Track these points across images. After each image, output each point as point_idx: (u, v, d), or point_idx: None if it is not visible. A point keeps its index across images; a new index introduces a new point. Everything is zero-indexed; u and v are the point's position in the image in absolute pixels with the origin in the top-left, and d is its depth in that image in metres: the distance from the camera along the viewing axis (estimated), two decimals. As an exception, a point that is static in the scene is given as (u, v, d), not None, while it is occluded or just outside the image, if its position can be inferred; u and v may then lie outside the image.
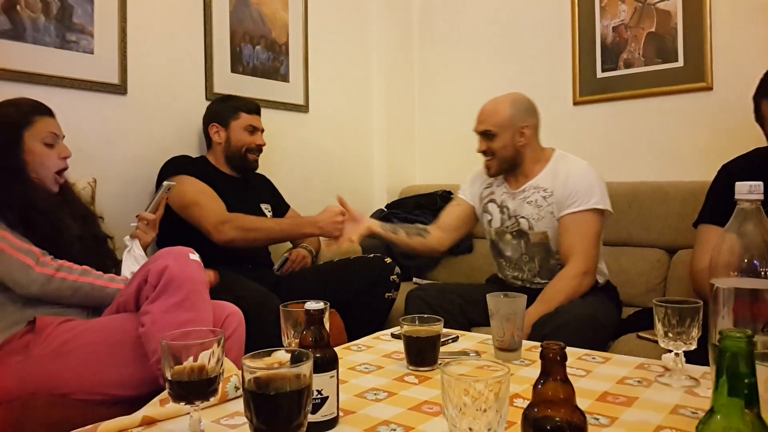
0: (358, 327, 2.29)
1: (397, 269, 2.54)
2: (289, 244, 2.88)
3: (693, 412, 1.13)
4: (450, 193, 3.37)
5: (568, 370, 0.84)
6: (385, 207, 3.52)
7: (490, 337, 1.59)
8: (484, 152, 2.30)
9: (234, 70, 2.98)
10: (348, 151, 3.64)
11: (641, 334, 1.98)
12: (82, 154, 1.96)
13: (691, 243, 2.07)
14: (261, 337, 1.70)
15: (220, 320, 1.73)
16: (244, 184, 2.72)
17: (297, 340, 1.26)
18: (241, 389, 0.93)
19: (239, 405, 1.03)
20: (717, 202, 1.96)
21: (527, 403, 0.85)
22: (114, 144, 2.51)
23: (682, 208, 2.54)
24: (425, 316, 1.50)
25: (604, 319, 2.07)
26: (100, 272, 1.80)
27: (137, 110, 2.60)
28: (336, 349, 1.27)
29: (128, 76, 2.55)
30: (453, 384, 0.87)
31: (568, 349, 0.85)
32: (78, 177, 2.10)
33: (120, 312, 1.70)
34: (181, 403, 1.03)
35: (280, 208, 2.86)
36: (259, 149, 2.68)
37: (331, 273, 2.57)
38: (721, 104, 2.73)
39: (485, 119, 2.28)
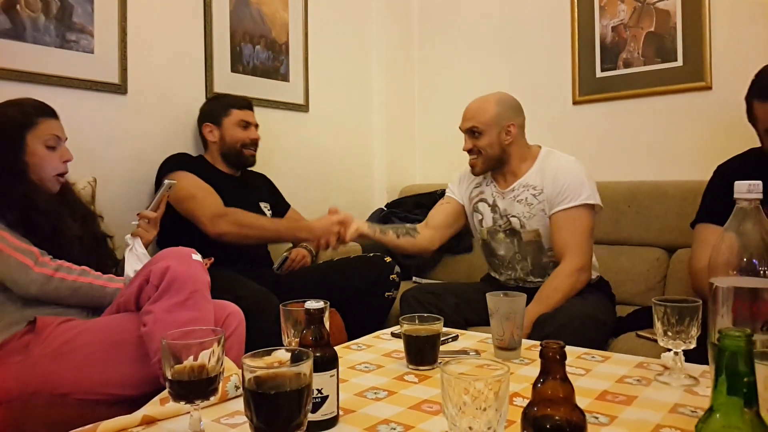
0: (358, 326, 2.29)
1: (397, 268, 2.54)
2: (289, 243, 2.88)
3: (692, 411, 1.13)
4: (450, 192, 3.37)
5: (567, 368, 0.84)
6: (385, 206, 3.52)
7: (490, 336, 1.59)
8: (470, 150, 2.31)
9: (234, 69, 2.98)
10: (348, 150, 3.64)
11: (641, 332, 1.98)
12: (82, 153, 1.96)
13: (690, 242, 2.07)
14: (261, 337, 1.70)
15: (221, 319, 1.73)
16: (244, 182, 2.72)
17: (297, 340, 1.26)
18: (242, 388, 0.93)
19: (239, 404, 1.03)
20: (713, 202, 1.96)
21: (527, 401, 0.85)
22: (114, 143, 2.52)
23: (681, 207, 2.54)
24: (425, 315, 1.50)
25: (604, 317, 2.07)
26: (99, 272, 1.80)
27: (137, 110, 2.60)
28: (336, 348, 1.27)
29: (128, 75, 2.55)
30: (453, 383, 0.87)
31: (568, 348, 0.85)
32: (78, 177, 2.10)
33: (120, 312, 1.70)
34: (182, 403, 1.04)
35: (280, 207, 2.86)
36: (254, 143, 2.68)
37: (331, 272, 2.57)
38: (720, 104, 2.74)
39: (471, 117, 2.29)
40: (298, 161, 3.31)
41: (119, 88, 2.52)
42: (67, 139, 1.92)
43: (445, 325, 1.53)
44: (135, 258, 1.90)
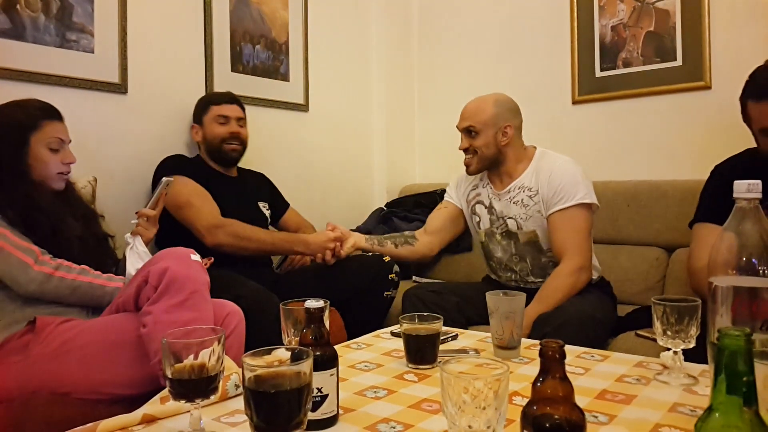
0: (357, 325, 2.29)
1: (396, 267, 2.54)
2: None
3: (692, 410, 1.13)
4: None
5: (567, 368, 0.84)
6: (385, 206, 3.52)
7: (489, 335, 1.59)
8: (466, 150, 2.32)
9: (234, 69, 2.98)
10: (348, 149, 3.64)
11: (640, 332, 1.98)
12: (82, 153, 1.96)
13: (689, 241, 2.07)
14: (261, 336, 1.70)
15: (220, 318, 1.73)
16: (242, 182, 2.72)
17: (297, 338, 1.26)
18: (242, 387, 0.94)
19: (239, 403, 1.03)
20: (711, 202, 1.97)
21: (526, 400, 0.86)
22: (114, 143, 2.52)
23: (680, 206, 2.54)
24: (425, 314, 1.50)
25: (604, 316, 2.08)
26: (99, 272, 1.80)
27: (137, 109, 2.60)
28: (336, 347, 1.27)
29: (128, 75, 2.55)
30: (452, 382, 0.87)
31: (567, 347, 0.85)
32: (78, 176, 2.10)
33: (119, 312, 1.70)
34: (182, 401, 1.04)
35: (279, 206, 2.86)
36: (234, 138, 2.62)
37: (331, 271, 2.56)
38: (720, 103, 2.74)
39: (469, 116, 2.30)
40: (298, 161, 3.31)
41: (119, 88, 2.52)
42: (71, 141, 1.93)
43: (446, 324, 1.54)
44: (136, 256, 1.90)
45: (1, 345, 1.63)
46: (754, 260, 1.04)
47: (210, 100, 2.65)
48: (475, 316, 2.16)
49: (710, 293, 1.08)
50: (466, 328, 2.02)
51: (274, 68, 3.18)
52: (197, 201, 2.40)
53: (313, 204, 3.22)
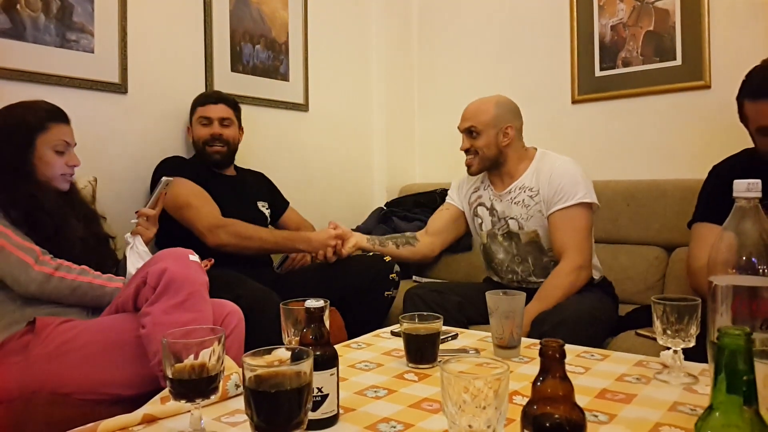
0: (357, 325, 2.29)
1: (397, 267, 2.54)
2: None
3: (692, 409, 1.13)
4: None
5: (567, 367, 0.84)
6: (385, 205, 3.52)
7: (490, 334, 1.59)
8: (467, 150, 2.34)
9: (234, 69, 2.98)
10: (348, 149, 3.64)
11: (640, 331, 1.98)
12: (82, 153, 1.96)
13: (689, 241, 2.08)
14: (261, 335, 1.71)
15: (220, 318, 1.73)
16: (241, 181, 2.72)
17: (297, 338, 1.26)
18: (242, 387, 0.94)
19: (240, 403, 1.03)
20: (710, 201, 1.98)
21: (526, 400, 0.86)
22: (114, 143, 2.52)
23: (680, 206, 2.54)
24: (425, 313, 1.50)
25: (603, 315, 2.08)
26: (99, 272, 1.80)
27: (137, 109, 2.60)
28: (336, 346, 1.28)
29: (128, 75, 2.55)
30: (453, 381, 0.87)
31: (567, 347, 0.85)
32: (78, 176, 2.10)
33: (118, 312, 1.70)
34: (182, 401, 1.04)
35: (278, 205, 2.86)
36: (216, 139, 2.58)
37: (331, 271, 2.56)
38: (719, 102, 2.73)
39: (470, 117, 2.32)
40: (298, 161, 3.31)
41: (119, 88, 2.52)
42: (76, 144, 1.94)
43: (447, 324, 1.54)
44: (137, 256, 1.91)
45: (1, 345, 1.63)
46: (753, 259, 1.04)
47: (196, 101, 2.65)
48: (476, 316, 2.16)
49: (710, 292, 1.08)
50: (467, 328, 2.03)
51: (274, 68, 3.18)
52: (197, 201, 2.40)
53: (312, 204, 3.22)
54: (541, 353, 0.84)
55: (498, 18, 3.53)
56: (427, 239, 2.50)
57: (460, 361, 0.98)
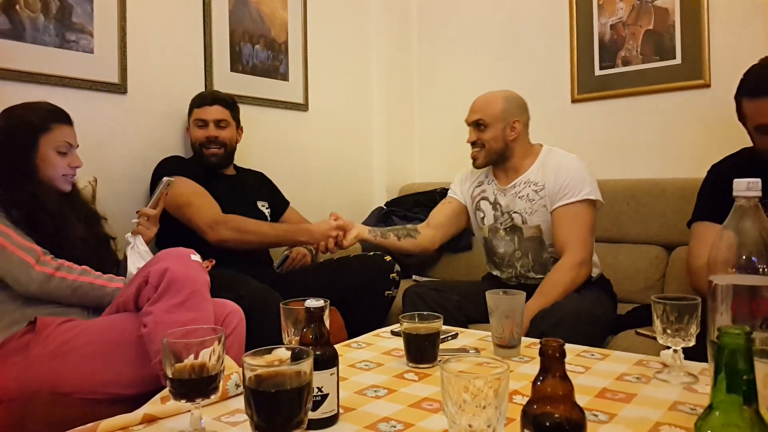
0: (358, 324, 2.29)
1: (397, 267, 2.55)
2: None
3: (692, 409, 1.13)
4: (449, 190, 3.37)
5: (567, 366, 0.84)
6: (385, 205, 3.52)
7: (490, 334, 1.59)
8: (473, 143, 2.34)
9: (233, 69, 2.98)
10: (347, 149, 3.64)
11: (640, 330, 1.98)
12: (82, 153, 1.96)
13: (689, 240, 2.08)
14: (263, 335, 1.70)
15: (221, 318, 1.73)
16: (241, 181, 2.72)
17: (297, 338, 1.26)
18: (242, 386, 0.94)
19: (240, 402, 1.03)
20: (710, 200, 1.98)
21: (527, 399, 0.86)
22: (114, 143, 2.52)
23: (679, 205, 2.54)
24: (425, 313, 1.50)
25: (602, 314, 2.09)
26: (99, 272, 1.81)
27: (137, 109, 2.60)
28: (336, 346, 1.28)
29: (128, 75, 2.55)
30: (453, 381, 0.87)
31: (567, 346, 0.85)
32: (79, 176, 2.10)
33: (119, 312, 1.70)
34: (182, 401, 1.04)
35: (278, 205, 2.86)
36: (211, 141, 2.58)
37: (331, 271, 2.57)
38: (719, 101, 2.73)
39: (478, 110, 2.32)
40: (298, 160, 3.31)
41: (119, 88, 2.52)
42: (78, 146, 1.94)
43: (447, 323, 1.54)
44: (137, 255, 1.91)
45: (1, 345, 1.63)
46: (753, 258, 1.04)
47: (192, 102, 2.64)
48: (475, 315, 2.16)
49: (710, 291, 1.08)
50: (467, 327, 2.03)
51: (274, 68, 3.18)
52: (197, 200, 2.40)
53: (312, 203, 3.22)
54: (541, 352, 0.84)
55: (497, 17, 3.53)
56: (429, 232, 2.50)
57: (460, 360, 0.98)
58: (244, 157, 2.86)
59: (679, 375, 1.31)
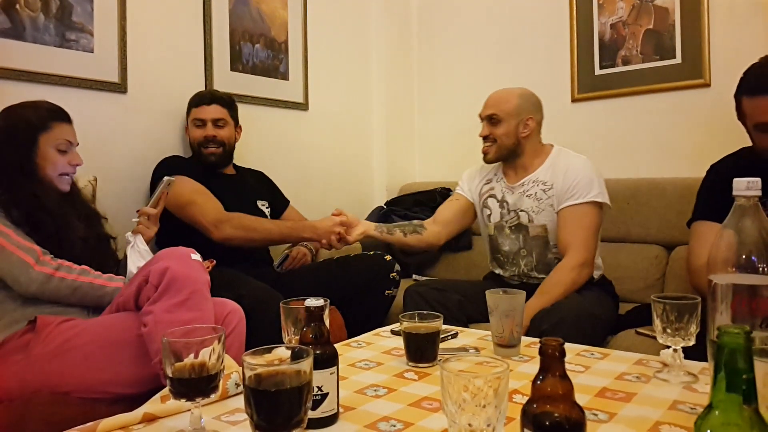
0: (358, 324, 2.29)
1: (397, 266, 2.55)
2: (289, 242, 2.88)
3: (691, 408, 1.13)
4: (449, 190, 3.37)
5: (567, 366, 0.84)
6: (385, 204, 3.52)
7: (490, 333, 1.59)
8: (486, 137, 2.34)
9: (233, 68, 2.98)
10: (348, 148, 3.64)
11: (640, 330, 1.98)
12: (82, 152, 1.96)
13: (688, 239, 2.08)
14: (264, 334, 1.70)
15: (221, 317, 1.73)
16: (241, 180, 2.72)
17: (297, 337, 1.26)
18: (242, 386, 0.94)
19: (240, 401, 1.03)
20: (710, 199, 1.98)
21: (526, 398, 0.86)
22: (114, 142, 2.52)
23: (679, 204, 2.54)
24: (425, 312, 1.50)
25: (602, 313, 2.09)
26: (99, 272, 1.80)
27: (137, 109, 2.60)
28: (336, 345, 1.28)
29: (128, 74, 2.55)
30: (452, 380, 0.87)
31: (567, 345, 0.85)
32: (78, 175, 2.10)
33: (120, 311, 1.70)
34: (182, 400, 1.04)
35: (279, 204, 2.86)
36: (210, 141, 2.57)
37: (331, 270, 2.57)
38: (719, 101, 2.73)
39: (493, 105, 2.33)
40: (298, 160, 3.31)
41: (119, 87, 2.52)
42: (78, 144, 1.94)
43: (447, 322, 1.54)
44: (137, 255, 1.91)
45: (1, 344, 1.63)
46: (753, 258, 1.04)
47: (190, 101, 2.64)
48: (476, 314, 2.16)
49: (710, 291, 1.08)
50: (467, 326, 2.03)
51: (274, 67, 3.18)
52: (200, 198, 2.40)
53: (312, 203, 3.22)
54: (541, 352, 0.84)
55: (498, 17, 3.53)
56: (435, 228, 2.50)
57: (460, 359, 0.98)
58: (244, 157, 2.86)
59: (678, 374, 1.31)
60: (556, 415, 0.82)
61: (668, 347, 1.34)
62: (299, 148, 3.33)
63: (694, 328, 1.30)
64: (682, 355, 1.33)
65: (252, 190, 2.74)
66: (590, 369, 1.40)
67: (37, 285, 1.67)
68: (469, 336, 1.77)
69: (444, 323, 1.52)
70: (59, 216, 1.81)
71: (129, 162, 2.56)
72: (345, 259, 2.62)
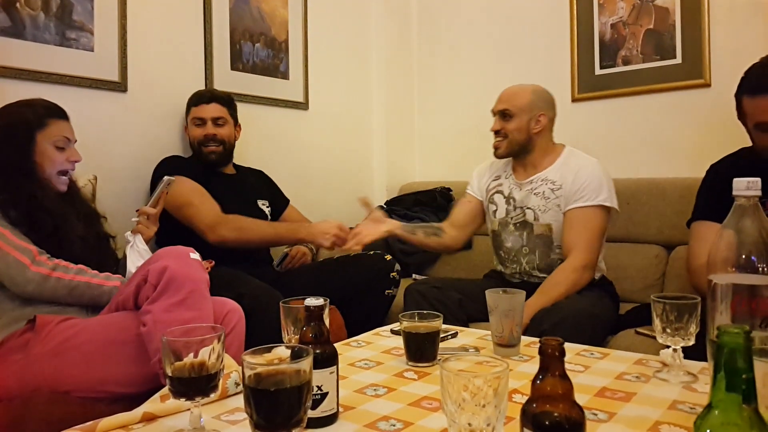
0: (357, 323, 2.29)
1: (397, 266, 2.55)
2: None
3: (691, 408, 1.13)
4: (449, 189, 3.37)
5: (566, 365, 0.84)
6: (385, 204, 3.52)
7: (489, 332, 1.59)
8: (497, 132, 2.34)
9: (234, 67, 2.98)
10: (348, 148, 3.64)
11: (640, 329, 1.98)
12: (82, 151, 1.96)
13: (688, 239, 2.08)
14: (264, 333, 1.70)
15: (220, 316, 1.73)
16: (241, 180, 2.71)
17: (297, 336, 1.26)
18: (242, 385, 0.94)
19: (240, 401, 1.03)
20: (709, 199, 1.98)
21: (526, 398, 0.86)
22: (114, 141, 2.52)
23: (679, 204, 2.54)
24: (424, 312, 1.50)
25: (602, 314, 2.09)
26: (96, 271, 1.80)
27: (137, 108, 2.60)
28: (336, 345, 1.28)
29: (128, 73, 2.55)
30: (452, 380, 0.87)
31: (567, 345, 0.85)
32: (78, 174, 2.10)
33: (118, 310, 1.70)
34: (182, 399, 1.04)
35: (279, 203, 2.86)
36: (210, 140, 2.58)
37: (331, 270, 2.57)
38: (719, 101, 2.73)
39: (506, 100, 2.33)
40: (298, 159, 3.31)
41: (119, 86, 2.52)
42: (76, 141, 1.94)
43: (447, 321, 1.53)
44: (137, 254, 1.91)
45: (1, 344, 1.63)
46: (753, 258, 1.04)
47: (190, 100, 2.64)
48: (476, 313, 2.16)
49: (710, 291, 1.08)
50: (467, 325, 2.03)
51: (274, 66, 3.18)
52: (197, 200, 2.40)
53: (312, 202, 3.22)
54: (541, 351, 0.84)
55: (498, 17, 3.53)
56: (453, 232, 2.51)
57: (460, 359, 0.98)
58: (244, 156, 2.86)
59: (678, 374, 1.31)
60: (555, 414, 0.82)
61: (668, 347, 1.34)
62: (299, 148, 3.33)
63: (693, 328, 1.30)
64: (681, 354, 1.33)
65: (252, 190, 2.74)
66: (590, 369, 1.40)
67: (33, 285, 1.67)
68: (468, 335, 1.77)
69: (444, 322, 1.51)
70: (58, 215, 1.81)
71: (129, 161, 2.56)
72: (345, 259, 2.62)
